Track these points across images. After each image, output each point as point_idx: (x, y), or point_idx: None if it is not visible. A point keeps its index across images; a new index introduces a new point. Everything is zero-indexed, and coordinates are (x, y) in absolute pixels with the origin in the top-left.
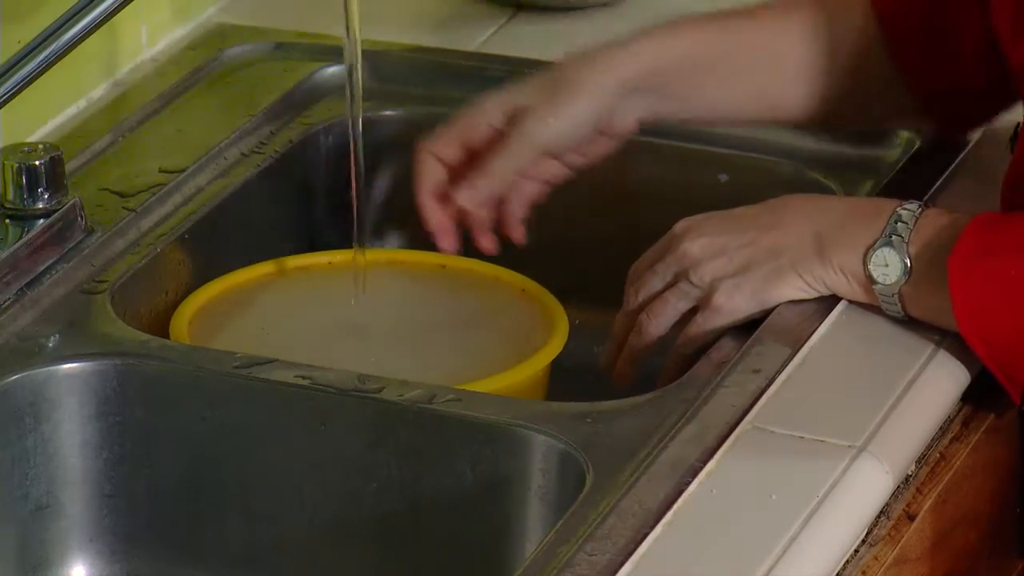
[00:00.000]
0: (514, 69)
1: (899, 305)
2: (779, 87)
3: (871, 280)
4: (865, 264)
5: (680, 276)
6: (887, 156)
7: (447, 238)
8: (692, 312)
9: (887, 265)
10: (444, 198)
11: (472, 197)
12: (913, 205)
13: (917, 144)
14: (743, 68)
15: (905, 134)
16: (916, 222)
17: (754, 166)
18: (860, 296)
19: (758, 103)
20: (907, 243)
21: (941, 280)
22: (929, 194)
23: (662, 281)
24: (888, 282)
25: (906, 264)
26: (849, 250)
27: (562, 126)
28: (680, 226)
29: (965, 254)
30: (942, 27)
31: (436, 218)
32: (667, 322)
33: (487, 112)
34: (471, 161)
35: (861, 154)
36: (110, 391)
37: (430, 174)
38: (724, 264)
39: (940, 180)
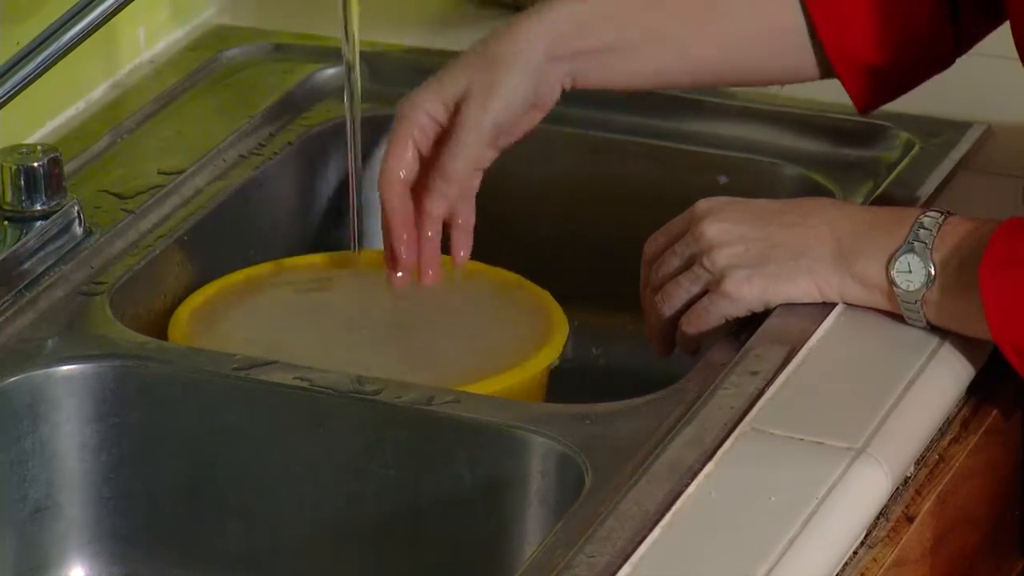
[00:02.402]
0: None
1: (921, 312)
2: (696, 49)
3: (894, 286)
4: (888, 271)
5: (694, 258)
6: (887, 157)
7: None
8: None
9: (910, 271)
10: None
11: (440, 206)
12: (935, 213)
13: (917, 145)
14: (659, 32)
15: (904, 135)
16: (939, 229)
17: (753, 168)
18: (880, 304)
19: (676, 67)
20: (931, 250)
21: (969, 287)
22: (930, 195)
23: (680, 260)
24: (911, 288)
25: (930, 271)
26: (870, 258)
27: (502, 107)
28: (701, 207)
29: (995, 261)
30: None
31: (408, 253)
32: (678, 304)
33: (428, 109)
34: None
35: (860, 155)
36: (108, 393)
37: (401, 201)
38: (740, 253)
39: (941, 180)
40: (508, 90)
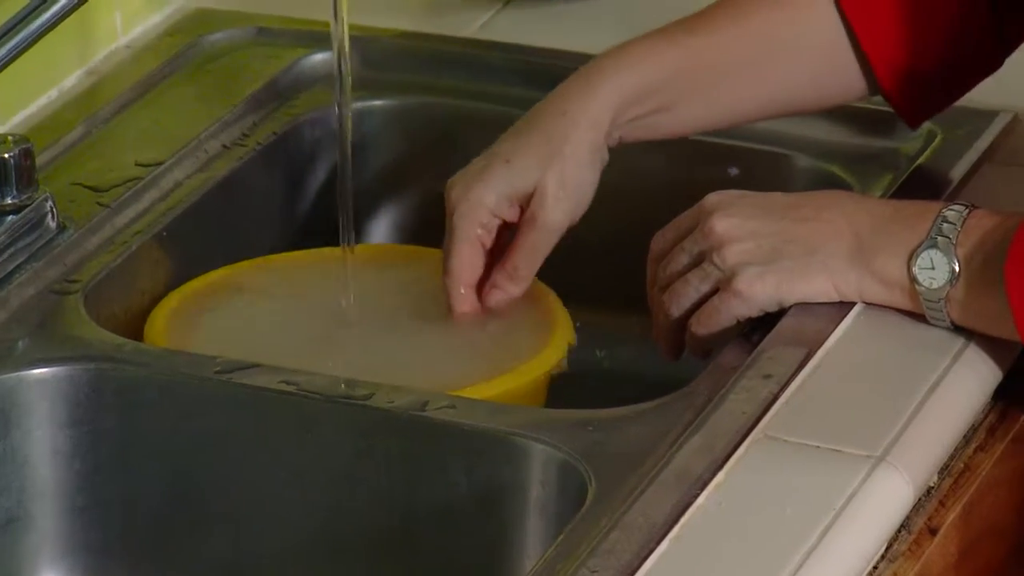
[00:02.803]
0: (511, 56)
1: (945, 311)
2: (746, 92)
3: (915, 284)
4: (909, 267)
5: (704, 255)
6: (906, 148)
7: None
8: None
9: (933, 268)
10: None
11: (503, 303)
12: (959, 206)
13: (939, 135)
14: (710, 85)
15: (926, 125)
16: (963, 223)
17: (766, 159)
18: (901, 303)
19: (724, 114)
20: (955, 245)
21: (995, 284)
22: (952, 187)
23: (688, 257)
24: (934, 286)
25: (954, 268)
26: (891, 254)
27: (576, 205)
28: (710, 201)
29: (1022, 257)
30: (912, 10)
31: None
32: (687, 304)
33: (491, 206)
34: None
35: (879, 146)
36: (83, 397)
37: (471, 304)
38: (751, 249)
39: (964, 172)
40: (582, 187)
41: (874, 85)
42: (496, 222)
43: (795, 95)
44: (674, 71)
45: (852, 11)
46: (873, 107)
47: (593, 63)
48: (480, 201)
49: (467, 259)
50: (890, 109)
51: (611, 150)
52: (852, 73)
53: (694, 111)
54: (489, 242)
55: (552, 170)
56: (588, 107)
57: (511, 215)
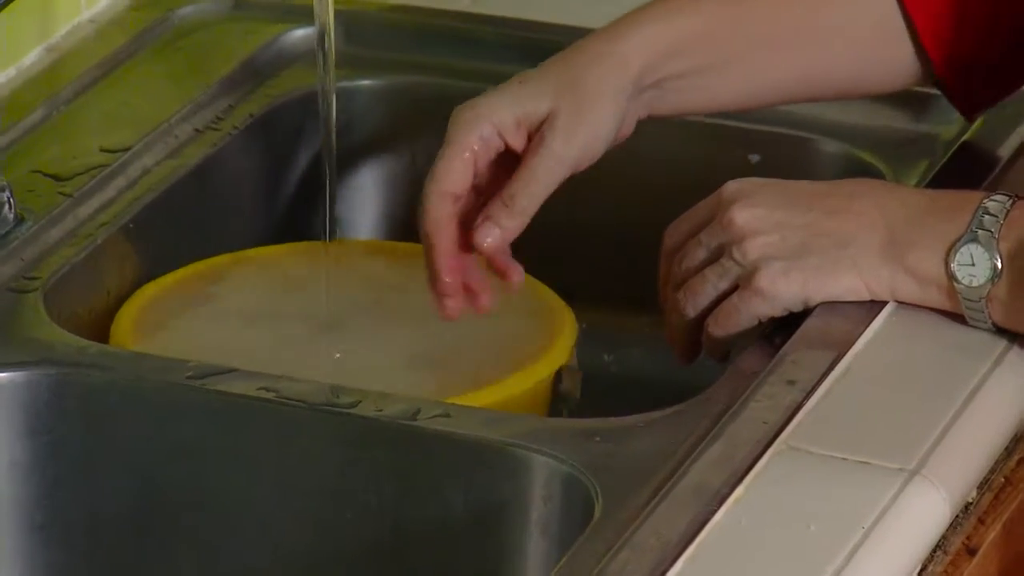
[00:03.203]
0: (506, 31)
1: (986, 311)
2: (787, 68)
3: (954, 282)
4: (947, 264)
5: (722, 249)
6: (944, 133)
7: (456, 302)
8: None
9: (973, 264)
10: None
11: (496, 239)
12: (1002, 196)
13: (979, 120)
14: (744, 53)
15: None
16: (1006, 215)
17: (790, 145)
18: (938, 302)
19: (766, 84)
20: (997, 239)
21: None
22: (994, 175)
23: (705, 251)
24: (974, 284)
25: (995, 264)
26: (926, 249)
27: (587, 142)
28: (730, 189)
29: None
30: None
31: (454, 279)
32: (704, 302)
33: (496, 122)
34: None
35: (914, 130)
36: (42, 405)
37: (449, 222)
38: (775, 243)
39: (1007, 159)
40: (597, 124)
41: (927, 73)
42: (497, 142)
43: (839, 77)
44: (713, 30)
45: None
46: (908, 89)
47: (628, 13)
48: (485, 114)
49: (454, 170)
50: (925, 90)
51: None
52: (904, 59)
53: (730, 80)
54: (484, 165)
55: (568, 96)
56: (618, 46)
57: (516, 140)
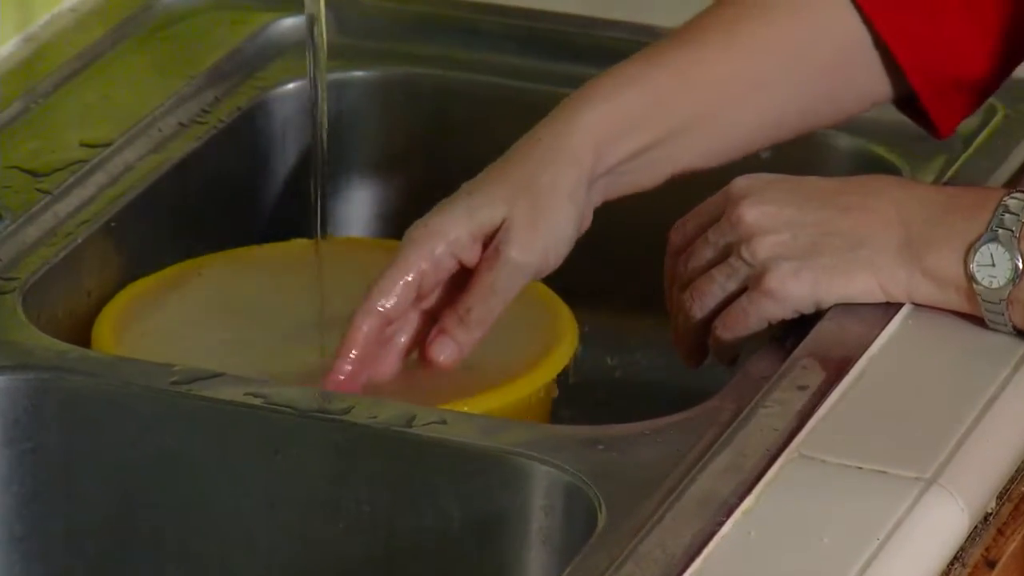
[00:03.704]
0: (508, 20)
1: (1006, 314)
2: (751, 117)
3: (973, 283)
4: (966, 264)
5: (731, 248)
6: (962, 127)
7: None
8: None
9: (993, 265)
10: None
11: (453, 355)
12: (1022, 194)
13: (1000, 111)
14: (702, 110)
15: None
16: None
17: (802, 139)
18: (956, 304)
19: (731, 140)
20: (1018, 239)
21: None
22: (1015, 171)
23: (713, 250)
24: (994, 286)
25: (1017, 265)
26: (945, 248)
27: (547, 246)
28: (739, 185)
29: None
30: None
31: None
32: (711, 303)
33: (450, 239)
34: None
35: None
36: (21, 412)
37: (366, 341)
38: (786, 242)
39: None
40: (555, 228)
41: (898, 91)
42: (450, 263)
43: (808, 111)
44: (664, 95)
45: (872, 8)
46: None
47: (573, 94)
48: (438, 232)
49: (391, 290)
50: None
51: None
52: (873, 79)
53: (692, 144)
54: (431, 284)
55: (522, 202)
56: (568, 140)
57: (471, 255)
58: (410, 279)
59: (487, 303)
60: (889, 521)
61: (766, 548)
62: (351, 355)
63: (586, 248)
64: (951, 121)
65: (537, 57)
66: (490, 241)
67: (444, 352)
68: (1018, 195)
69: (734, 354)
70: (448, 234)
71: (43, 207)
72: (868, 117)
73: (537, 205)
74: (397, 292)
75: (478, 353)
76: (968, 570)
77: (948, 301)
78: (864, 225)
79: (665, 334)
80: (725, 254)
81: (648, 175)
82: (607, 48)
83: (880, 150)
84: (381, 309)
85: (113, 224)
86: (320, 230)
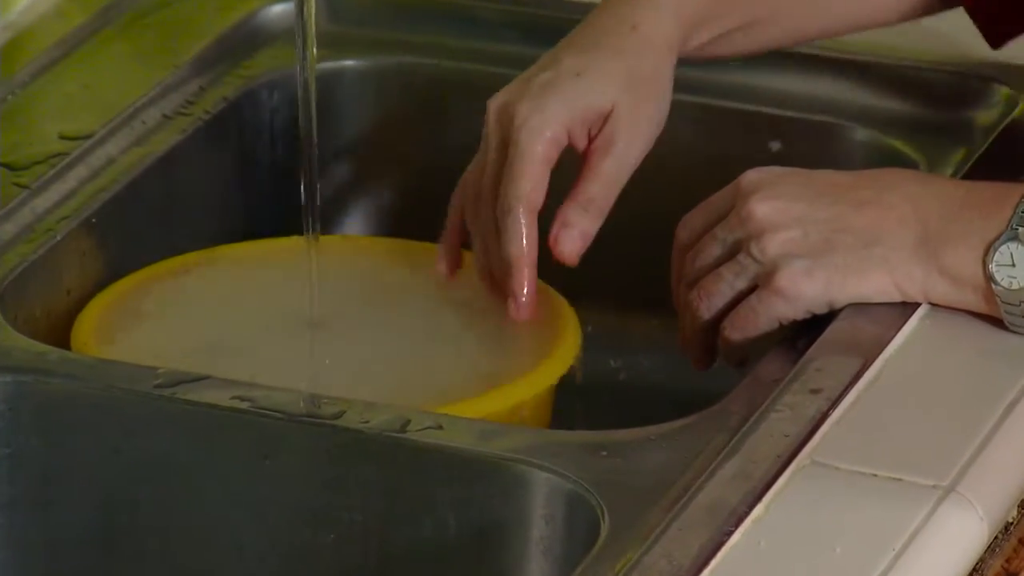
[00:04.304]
0: (506, 7)
1: None
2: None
3: (992, 283)
4: (985, 264)
5: (740, 245)
6: (982, 118)
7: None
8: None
9: (1013, 265)
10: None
11: (582, 245)
12: None
13: (1020, 103)
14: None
15: (1006, 91)
16: None
17: (814, 131)
18: (974, 305)
19: (810, 28)
20: None
21: None
22: None
23: (721, 247)
24: (1014, 286)
25: None
26: (963, 247)
27: (650, 137)
28: (749, 179)
29: None
30: None
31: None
32: (720, 303)
33: (570, 124)
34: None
35: (950, 116)
36: None
37: (534, 251)
38: (797, 239)
39: None
40: (656, 114)
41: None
42: (564, 144)
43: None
44: None
45: None
46: (941, 69)
47: None
48: (556, 116)
49: (541, 183)
50: (962, 72)
51: None
52: None
53: (777, 27)
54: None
55: (630, 90)
56: (663, 27)
57: (580, 139)
58: (546, 170)
59: (608, 189)
60: (905, 531)
61: (776, 559)
62: (529, 268)
63: (591, 248)
64: (1004, 34)
65: (534, 45)
66: (596, 128)
67: (571, 244)
68: None
69: (743, 356)
70: (566, 118)
71: (20, 202)
72: (884, 108)
73: (641, 93)
74: (543, 185)
75: (476, 353)
76: None
77: (965, 301)
78: (879, 222)
79: (671, 335)
80: (734, 251)
81: (728, 51)
82: None
83: (896, 142)
84: (536, 207)
85: (94, 220)
86: (310, 226)
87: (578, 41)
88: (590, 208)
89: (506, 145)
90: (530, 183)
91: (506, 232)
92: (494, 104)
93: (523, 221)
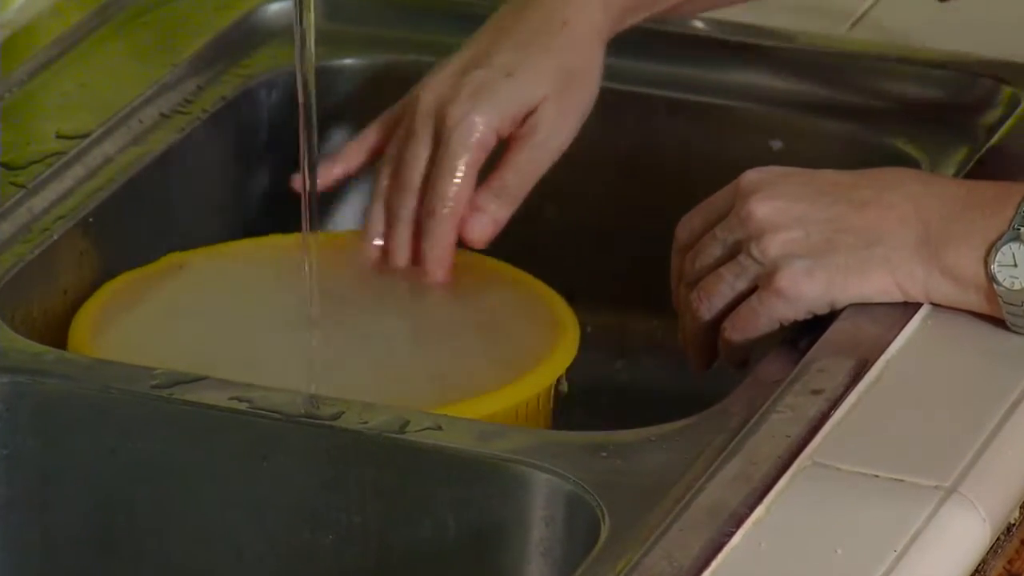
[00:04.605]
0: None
1: None
2: None
3: (994, 283)
4: (986, 263)
5: (740, 245)
6: (985, 117)
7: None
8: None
9: (1015, 265)
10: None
11: (492, 230)
12: None
13: (1023, 103)
14: None
15: (1008, 89)
16: None
17: (815, 130)
18: (976, 305)
19: None
20: None
21: None
22: None
23: (722, 247)
24: (1016, 287)
25: None
26: (965, 246)
27: (576, 120)
28: (749, 179)
29: None
30: None
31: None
32: (720, 303)
33: (499, 128)
34: None
35: (952, 115)
36: None
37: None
38: (798, 239)
39: None
40: (584, 104)
41: None
42: (492, 146)
43: None
44: None
45: None
46: (944, 68)
47: None
48: (487, 120)
49: (468, 187)
50: (965, 70)
51: (629, 114)
52: None
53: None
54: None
55: (559, 86)
56: (592, 16)
57: (507, 132)
58: (475, 177)
59: (523, 178)
60: (907, 532)
61: (777, 560)
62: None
63: (588, 245)
64: None
65: None
66: (522, 120)
67: (482, 229)
68: None
69: (744, 356)
70: (496, 124)
71: (17, 202)
72: (885, 106)
73: (570, 88)
74: (468, 188)
75: (475, 354)
76: None
77: (967, 301)
78: (880, 221)
79: (671, 335)
80: (734, 251)
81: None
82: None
83: (898, 141)
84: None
85: (91, 220)
86: (308, 225)
87: (509, 36)
88: (503, 195)
89: (436, 142)
90: (456, 187)
91: (428, 233)
92: (426, 97)
93: (445, 225)
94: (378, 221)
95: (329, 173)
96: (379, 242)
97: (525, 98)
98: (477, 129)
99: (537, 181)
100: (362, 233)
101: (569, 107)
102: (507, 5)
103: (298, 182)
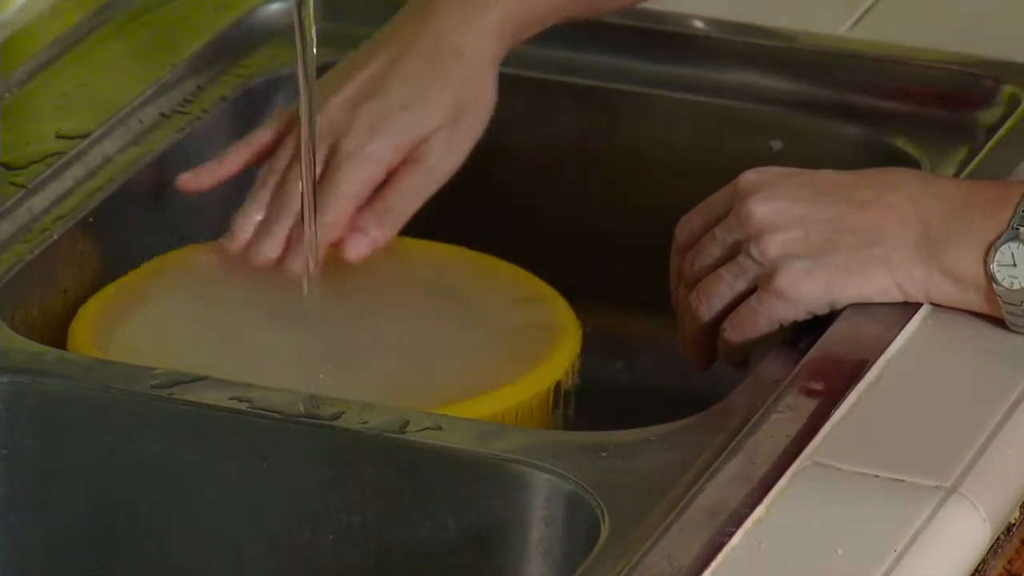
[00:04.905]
0: None
1: None
2: None
3: (993, 283)
4: (986, 263)
5: (739, 246)
6: (984, 117)
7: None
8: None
9: (1015, 265)
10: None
11: (369, 251)
12: None
13: None
14: None
15: (1008, 89)
16: None
17: (815, 130)
18: (976, 305)
19: None
20: None
21: None
22: None
23: (721, 248)
24: (1015, 287)
25: None
26: (964, 246)
27: (468, 146)
28: (748, 179)
29: None
30: None
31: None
32: (720, 304)
33: (391, 160)
34: None
35: (952, 115)
36: None
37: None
38: (797, 240)
39: None
40: (476, 131)
41: None
42: (380, 180)
43: None
44: None
45: None
46: (945, 67)
47: None
48: (380, 155)
49: (343, 218)
50: (965, 71)
51: (629, 115)
52: None
53: (599, 10)
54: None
55: (453, 116)
56: (487, 45)
57: (398, 164)
58: (356, 205)
59: (408, 203)
60: (907, 532)
61: (777, 560)
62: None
63: (588, 245)
64: None
65: (537, 43)
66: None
67: (358, 249)
68: None
69: (744, 357)
70: (388, 156)
71: (17, 202)
72: (885, 107)
73: (463, 117)
74: (344, 218)
75: (475, 354)
76: None
77: (967, 301)
78: (879, 221)
79: (671, 335)
80: (733, 252)
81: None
82: (604, 34)
83: (898, 141)
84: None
85: (91, 219)
86: (308, 223)
87: (404, 65)
88: (386, 219)
89: (324, 166)
90: (334, 216)
91: (297, 250)
92: (320, 123)
93: (317, 245)
94: (249, 227)
95: (213, 175)
96: (241, 245)
97: (419, 129)
98: (369, 163)
99: (422, 205)
100: (228, 234)
101: (461, 136)
102: (394, 25)
103: (184, 181)
